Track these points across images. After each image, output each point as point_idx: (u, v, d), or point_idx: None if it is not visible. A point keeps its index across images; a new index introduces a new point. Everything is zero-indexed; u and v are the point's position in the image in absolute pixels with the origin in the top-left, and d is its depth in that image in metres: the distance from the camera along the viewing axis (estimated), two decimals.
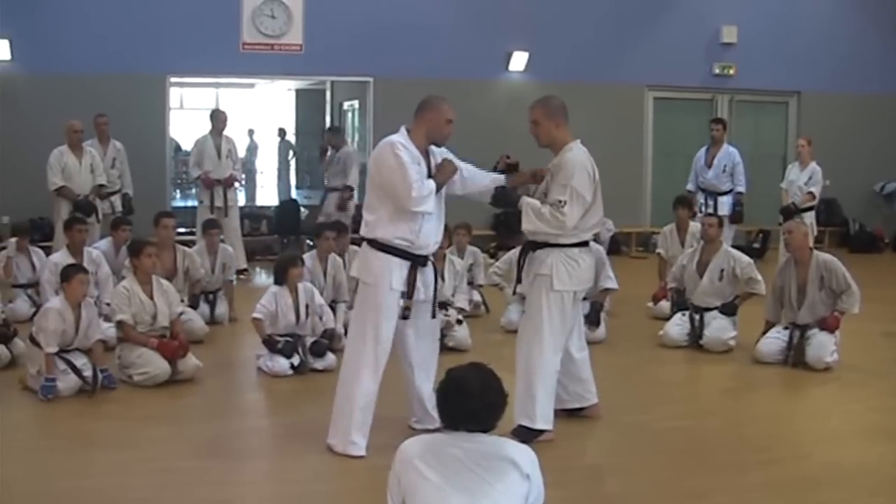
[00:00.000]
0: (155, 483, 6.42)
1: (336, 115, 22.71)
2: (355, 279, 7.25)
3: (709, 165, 14.41)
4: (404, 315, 6.90)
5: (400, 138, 6.77)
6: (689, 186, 14.75)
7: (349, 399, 6.86)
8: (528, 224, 7.06)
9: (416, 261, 6.86)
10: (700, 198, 14.16)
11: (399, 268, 6.80)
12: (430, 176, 6.78)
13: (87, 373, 8.39)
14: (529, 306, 7.35)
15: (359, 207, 14.66)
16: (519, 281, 7.56)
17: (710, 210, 13.57)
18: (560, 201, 6.95)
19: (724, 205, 14.06)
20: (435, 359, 7.19)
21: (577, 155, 7.13)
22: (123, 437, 7.43)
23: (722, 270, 10.54)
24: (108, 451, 7.09)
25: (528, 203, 7.07)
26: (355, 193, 15.51)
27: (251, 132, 24.60)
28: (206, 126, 14.98)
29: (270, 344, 9.25)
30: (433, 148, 6.93)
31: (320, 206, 16.00)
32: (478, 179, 7.15)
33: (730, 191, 14.33)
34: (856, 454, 7.18)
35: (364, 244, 6.96)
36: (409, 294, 6.86)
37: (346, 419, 6.86)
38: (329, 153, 15.76)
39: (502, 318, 11.14)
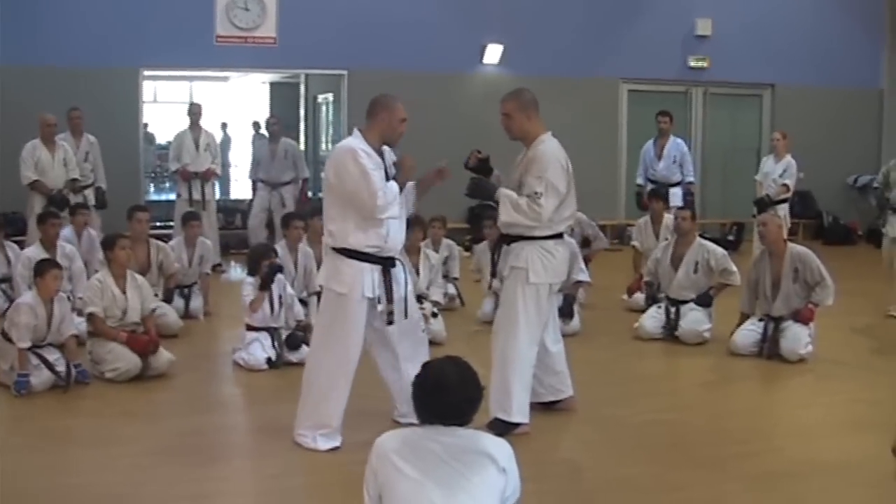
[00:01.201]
0: (134, 479, 6.39)
1: (310, 109, 22.63)
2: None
3: (659, 157, 14.52)
4: (389, 321, 6.88)
5: (359, 143, 6.68)
6: (639, 180, 14.88)
7: (318, 397, 6.86)
8: (506, 216, 7.05)
9: (386, 263, 6.83)
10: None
11: (371, 273, 6.76)
12: (387, 176, 6.73)
13: (61, 368, 8.34)
14: (505, 299, 7.35)
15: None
16: (493, 275, 7.55)
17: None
18: (537, 193, 6.95)
19: (676, 196, 14.09)
20: (424, 350, 7.12)
21: (550, 147, 7.14)
22: (99, 433, 7.39)
23: (696, 263, 10.55)
24: (84, 448, 7.07)
25: (505, 195, 7.06)
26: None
27: (224, 125, 24.48)
28: (180, 119, 14.92)
29: (270, 271, 9.32)
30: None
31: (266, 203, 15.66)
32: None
33: (680, 182, 14.40)
34: (833, 446, 7.20)
35: (331, 253, 6.86)
36: (388, 298, 6.83)
37: (314, 414, 6.86)
38: (270, 146, 15.58)
39: (479, 311, 11.15)
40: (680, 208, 11.37)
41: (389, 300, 6.83)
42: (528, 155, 7.17)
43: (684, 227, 10.77)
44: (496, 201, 7.10)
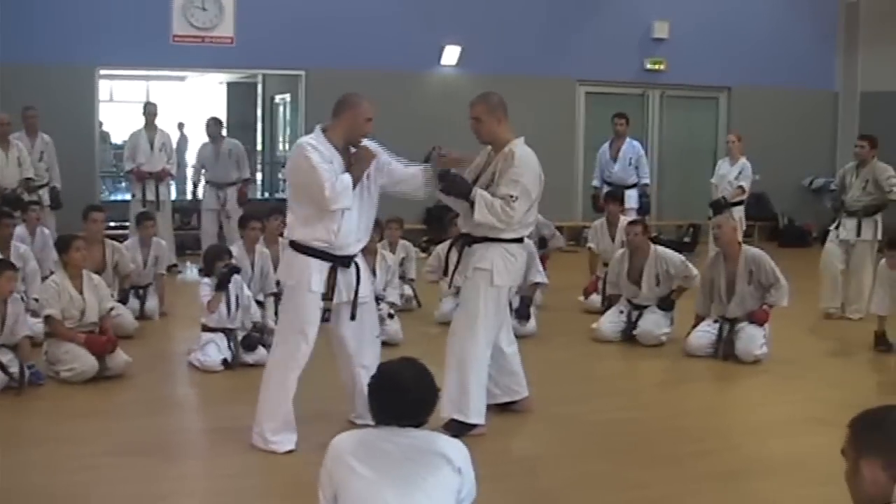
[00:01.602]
0: (83, 479, 6.34)
1: (268, 109, 22.59)
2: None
3: (614, 159, 14.62)
4: (325, 318, 6.89)
5: (310, 139, 6.72)
6: (595, 182, 15.00)
7: (275, 396, 6.85)
8: (480, 216, 7.03)
9: (337, 261, 6.82)
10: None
11: (319, 269, 6.76)
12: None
13: (14, 369, 8.26)
14: (465, 300, 7.35)
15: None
16: (445, 273, 7.57)
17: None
18: (511, 196, 6.97)
19: (632, 198, 14.22)
20: (376, 353, 7.10)
21: (527, 154, 7.18)
22: (51, 433, 7.32)
23: (657, 276, 10.57)
24: (34, 448, 6.98)
25: (481, 195, 7.05)
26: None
27: (181, 125, 24.38)
28: (136, 119, 14.83)
29: (227, 272, 9.32)
30: (366, 142, 6.89)
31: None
32: (406, 172, 7.09)
33: (636, 184, 14.48)
34: (787, 445, 7.27)
35: (286, 246, 6.97)
36: (328, 296, 6.84)
37: (272, 415, 6.84)
38: (213, 147, 15.45)
39: (436, 312, 11.15)
40: (631, 222, 11.26)
41: (329, 298, 6.83)
42: (502, 158, 7.17)
43: (636, 242, 10.73)
44: (471, 200, 7.09)
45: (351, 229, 6.78)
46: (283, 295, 7.10)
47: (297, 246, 6.79)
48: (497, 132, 7.23)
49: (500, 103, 7.28)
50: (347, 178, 6.66)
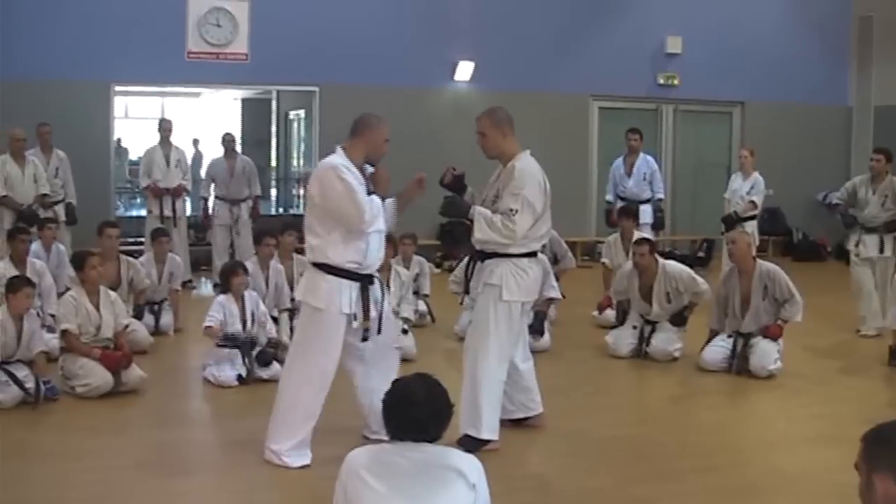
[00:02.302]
0: (97, 493, 6.37)
1: (282, 125, 22.66)
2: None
3: (628, 175, 14.58)
4: (364, 337, 6.90)
5: (341, 160, 6.72)
6: (609, 197, 14.94)
7: (292, 416, 6.86)
8: (480, 233, 7.07)
9: (364, 280, 6.86)
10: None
11: (349, 290, 6.77)
12: (370, 193, 6.77)
13: (30, 384, 8.30)
14: (477, 316, 7.36)
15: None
16: (467, 291, 7.58)
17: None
18: (512, 210, 6.98)
19: (646, 213, 14.17)
20: (395, 368, 7.11)
21: (528, 165, 7.17)
22: (65, 447, 7.36)
23: (667, 294, 10.55)
24: (48, 462, 7.01)
25: (479, 212, 7.08)
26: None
27: (196, 141, 24.47)
28: (151, 135, 14.87)
29: (231, 339, 9.24)
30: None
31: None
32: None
33: (649, 199, 14.47)
34: (797, 461, 7.26)
35: (311, 267, 6.92)
36: (365, 315, 6.85)
37: (290, 435, 6.85)
38: (227, 163, 15.43)
39: (455, 325, 11.19)
40: (636, 242, 11.17)
41: (366, 317, 6.85)
42: (505, 172, 7.19)
43: (643, 263, 10.65)
44: (470, 219, 7.12)
45: (376, 248, 6.84)
46: (304, 315, 7.02)
47: (326, 268, 6.75)
48: (502, 146, 7.24)
49: (506, 118, 7.29)
50: (377, 199, 6.71)
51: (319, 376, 6.83)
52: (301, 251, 8.76)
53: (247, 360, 9.27)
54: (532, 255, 7.28)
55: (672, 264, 10.84)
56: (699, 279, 10.61)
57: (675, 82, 19.42)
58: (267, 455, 6.90)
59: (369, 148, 6.83)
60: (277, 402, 6.97)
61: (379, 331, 6.99)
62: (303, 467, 6.78)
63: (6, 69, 15.14)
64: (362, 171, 6.81)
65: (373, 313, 6.90)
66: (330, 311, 6.76)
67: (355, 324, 6.82)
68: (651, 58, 19.34)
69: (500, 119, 7.27)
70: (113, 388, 8.64)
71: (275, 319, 10.25)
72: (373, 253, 6.82)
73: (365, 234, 6.68)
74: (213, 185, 15.50)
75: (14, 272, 9.79)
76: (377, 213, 6.67)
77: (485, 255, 7.25)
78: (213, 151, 24.42)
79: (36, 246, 11.42)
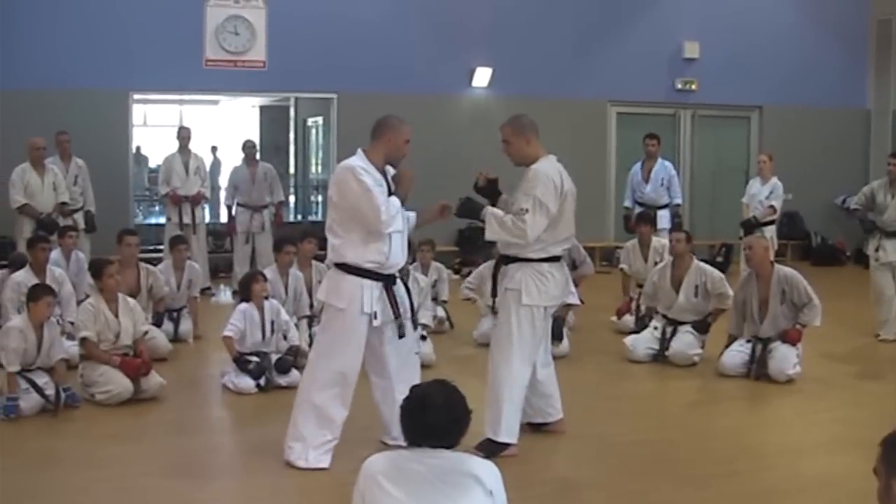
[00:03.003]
0: (116, 501, 6.41)
1: (300, 132, 22.67)
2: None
3: (646, 180, 14.55)
4: (401, 334, 6.94)
5: (359, 161, 6.76)
6: (627, 203, 14.94)
7: (309, 411, 6.88)
8: (491, 234, 7.10)
9: (386, 280, 6.87)
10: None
11: (370, 289, 6.79)
12: (390, 193, 6.79)
13: (50, 391, 8.34)
14: (500, 320, 7.39)
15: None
16: (494, 295, 7.58)
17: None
18: (522, 210, 6.98)
19: (664, 218, 14.13)
20: (416, 373, 7.12)
21: (544, 166, 7.16)
22: (86, 455, 7.38)
23: (696, 287, 10.56)
24: (69, 470, 7.03)
25: (491, 213, 7.12)
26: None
27: (214, 149, 24.50)
28: (169, 143, 14.91)
29: (241, 363, 9.23)
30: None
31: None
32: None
33: (667, 204, 14.45)
34: (818, 465, 7.26)
35: (333, 268, 6.95)
36: (395, 313, 6.88)
37: (314, 437, 6.86)
38: (249, 170, 15.46)
39: (475, 332, 11.21)
40: (673, 230, 11.33)
41: (397, 315, 6.90)
42: (524, 176, 7.21)
43: (679, 249, 10.75)
44: (483, 220, 7.14)
45: (398, 248, 6.86)
46: (327, 316, 7.03)
47: (347, 268, 6.79)
48: (526, 152, 7.25)
49: (529, 124, 7.30)
50: (396, 200, 6.74)
51: (341, 377, 6.85)
52: (320, 258, 8.77)
53: (266, 374, 9.29)
54: (554, 259, 7.27)
55: (705, 264, 10.95)
56: (727, 284, 10.62)
57: (693, 87, 19.39)
58: (286, 453, 6.92)
59: (389, 149, 6.86)
60: (298, 400, 6.99)
61: (401, 335, 7.00)
62: (321, 469, 6.79)
63: (26, 78, 15.24)
64: (383, 172, 6.84)
65: (402, 310, 6.94)
66: (351, 311, 6.78)
67: (376, 322, 6.84)
68: (668, 63, 19.32)
69: (523, 125, 7.29)
70: (133, 395, 8.66)
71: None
72: (395, 253, 6.84)
73: (385, 235, 6.71)
74: (235, 193, 15.52)
75: (34, 280, 9.84)
76: (395, 214, 6.69)
77: (508, 260, 7.27)
78: (231, 159, 24.55)
79: (56, 254, 11.47)
